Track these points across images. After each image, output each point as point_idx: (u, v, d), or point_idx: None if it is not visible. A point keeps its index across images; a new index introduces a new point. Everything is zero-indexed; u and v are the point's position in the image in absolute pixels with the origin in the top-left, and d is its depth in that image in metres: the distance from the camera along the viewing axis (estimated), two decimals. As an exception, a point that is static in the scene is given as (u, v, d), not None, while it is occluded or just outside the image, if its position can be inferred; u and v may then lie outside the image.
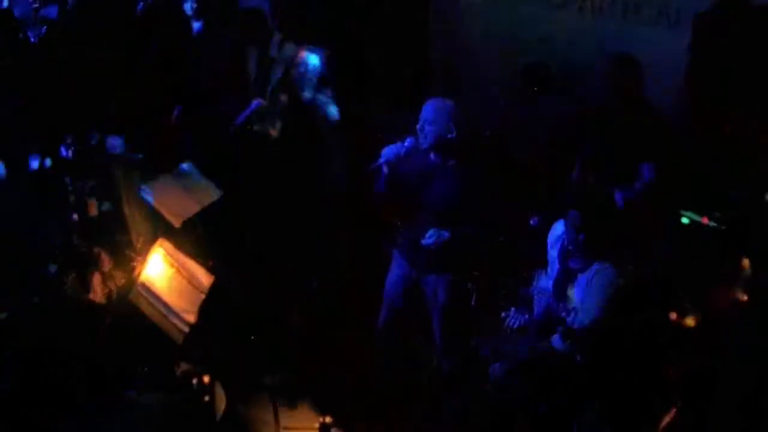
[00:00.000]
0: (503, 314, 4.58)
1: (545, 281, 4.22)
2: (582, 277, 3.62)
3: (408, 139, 3.68)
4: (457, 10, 6.00)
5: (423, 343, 4.74)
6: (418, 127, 3.66)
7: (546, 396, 3.56)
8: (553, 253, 3.94)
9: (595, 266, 3.56)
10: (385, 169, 3.70)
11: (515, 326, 4.04)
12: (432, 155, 3.69)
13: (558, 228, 3.76)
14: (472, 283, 4.71)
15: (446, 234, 3.62)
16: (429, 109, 3.64)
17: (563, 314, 3.68)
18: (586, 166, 4.56)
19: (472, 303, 4.74)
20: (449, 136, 3.62)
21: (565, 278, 3.71)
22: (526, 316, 4.29)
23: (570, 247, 3.59)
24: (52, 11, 5.25)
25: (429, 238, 3.63)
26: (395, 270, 4.02)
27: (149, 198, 4.27)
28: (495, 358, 3.86)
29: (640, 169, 4.23)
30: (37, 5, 5.30)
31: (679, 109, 4.69)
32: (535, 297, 3.98)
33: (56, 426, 3.20)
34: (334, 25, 5.77)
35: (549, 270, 3.97)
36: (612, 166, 4.36)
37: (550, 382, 3.58)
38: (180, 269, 3.83)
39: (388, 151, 3.69)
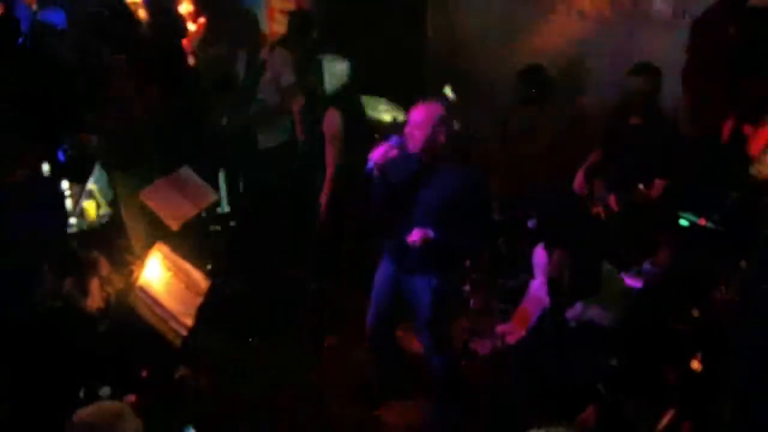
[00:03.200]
0: (499, 332, 4.61)
1: (537, 289, 4.23)
2: (570, 312, 3.63)
3: (393, 139, 3.64)
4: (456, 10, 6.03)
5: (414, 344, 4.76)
6: (406, 131, 3.63)
7: (545, 396, 3.56)
8: (538, 275, 3.94)
9: (579, 305, 3.55)
10: (375, 172, 3.67)
11: (512, 342, 4.05)
12: (420, 159, 3.66)
13: (540, 255, 3.75)
14: (470, 285, 4.73)
15: (431, 233, 3.58)
16: (418, 113, 3.60)
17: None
18: (592, 174, 4.55)
19: (471, 305, 4.76)
20: (439, 140, 3.61)
21: (557, 312, 3.71)
22: (522, 331, 4.32)
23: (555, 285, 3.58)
24: (49, 16, 5.25)
25: (414, 236, 3.59)
26: (383, 270, 4.02)
27: (147, 202, 4.28)
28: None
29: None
30: (35, 9, 5.31)
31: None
32: (529, 308, 3.99)
33: (56, 429, 3.20)
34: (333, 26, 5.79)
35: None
36: (622, 174, 4.34)
37: (549, 383, 3.58)
38: (177, 273, 3.83)
39: (375, 154, 3.64)
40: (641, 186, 4.19)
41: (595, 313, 3.57)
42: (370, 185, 3.75)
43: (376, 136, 5.24)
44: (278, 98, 5.27)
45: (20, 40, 5.15)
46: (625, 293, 3.79)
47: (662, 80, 4.30)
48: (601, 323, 3.61)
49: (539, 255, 3.82)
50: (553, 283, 3.62)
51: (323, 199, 4.66)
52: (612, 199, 4.26)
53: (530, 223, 4.62)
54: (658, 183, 4.23)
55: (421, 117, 3.57)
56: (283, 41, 5.44)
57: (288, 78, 5.18)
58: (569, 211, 4.60)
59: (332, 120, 4.54)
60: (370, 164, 3.64)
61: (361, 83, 5.46)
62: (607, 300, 3.54)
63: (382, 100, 5.50)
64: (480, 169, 3.83)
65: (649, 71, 4.19)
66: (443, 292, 3.86)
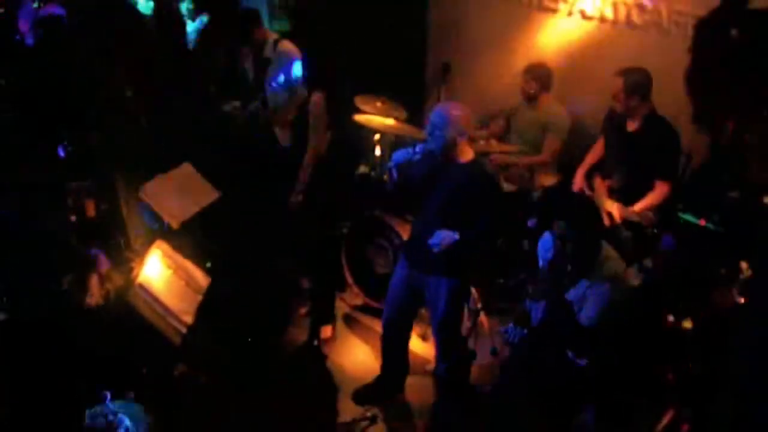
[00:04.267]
0: (501, 329, 4.60)
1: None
2: (572, 293, 3.61)
3: (418, 146, 3.72)
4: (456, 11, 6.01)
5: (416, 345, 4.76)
6: (427, 131, 3.69)
7: (544, 397, 3.56)
8: (544, 265, 3.91)
9: (584, 283, 3.53)
10: (395, 173, 3.74)
11: (514, 341, 4.04)
12: (438, 158, 3.71)
13: (547, 240, 3.75)
14: (471, 285, 4.72)
15: (455, 236, 3.62)
16: (440, 114, 3.65)
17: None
18: (591, 175, 4.56)
19: (470, 305, 4.76)
20: (457, 141, 3.64)
21: (559, 296, 3.69)
22: (525, 330, 4.31)
23: (558, 261, 3.56)
24: (51, 11, 5.24)
25: (435, 238, 3.63)
26: (399, 270, 4.04)
27: (147, 199, 4.27)
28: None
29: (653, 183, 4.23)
30: (36, 5, 5.29)
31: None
32: (533, 309, 3.98)
33: (56, 426, 3.20)
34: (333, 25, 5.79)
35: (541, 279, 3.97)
36: (621, 176, 4.36)
37: (549, 384, 3.58)
38: (177, 270, 3.83)
39: (397, 156, 3.73)
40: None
41: (596, 291, 3.55)
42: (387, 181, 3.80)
43: (377, 136, 5.28)
44: (287, 95, 5.27)
45: (17, 37, 5.16)
46: (626, 275, 3.77)
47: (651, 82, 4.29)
48: (598, 315, 3.59)
49: (546, 240, 3.82)
50: (556, 256, 3.61)
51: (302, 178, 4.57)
52: (618, 215, 4.25)
53: (530, 223, 4.62)
54: (660, 185, 4.23)
55: (443, 119, 3.63)
56: (288, 38, 5.43)
57: (294, 75, 5.17)
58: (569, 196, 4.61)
59: (317, 103, 4.53)
60: (392, 164, 3.73)
61: (359, 81, 5.47)
62: (608, 280, 3.53)
63: (381, 98, 5.48)
64: (488, 166, 3.85)
65: (635, 77, 4.19)
66: (456, 293, 3.88)
